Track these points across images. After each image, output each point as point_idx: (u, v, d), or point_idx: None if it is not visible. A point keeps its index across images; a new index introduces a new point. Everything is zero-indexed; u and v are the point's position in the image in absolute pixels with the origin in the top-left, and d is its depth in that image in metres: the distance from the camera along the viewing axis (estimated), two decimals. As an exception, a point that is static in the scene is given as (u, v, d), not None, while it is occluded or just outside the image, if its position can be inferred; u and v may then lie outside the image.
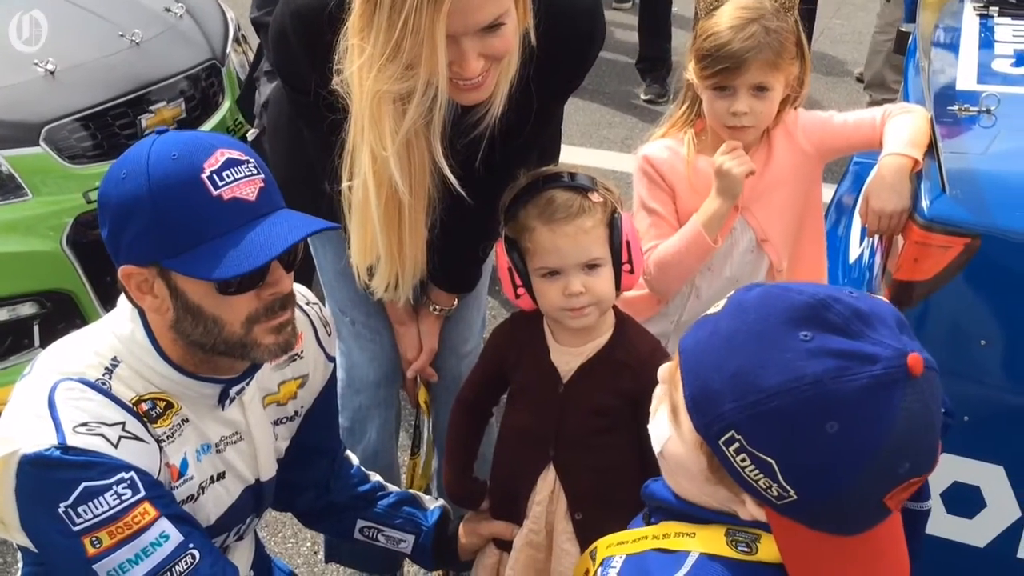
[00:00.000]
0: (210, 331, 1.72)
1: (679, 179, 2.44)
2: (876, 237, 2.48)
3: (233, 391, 1.86)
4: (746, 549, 1.29)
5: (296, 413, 2.08)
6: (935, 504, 2.21)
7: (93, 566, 1.63)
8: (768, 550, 1.28)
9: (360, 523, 2.29)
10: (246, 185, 1.65)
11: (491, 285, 2.77)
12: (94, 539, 1.62)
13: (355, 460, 2.37)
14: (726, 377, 1.23)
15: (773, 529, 1.27)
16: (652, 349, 2.16)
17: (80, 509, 1.61)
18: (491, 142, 2.11)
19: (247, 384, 1.89)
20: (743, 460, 1.22)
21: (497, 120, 2.05)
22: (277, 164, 2.43)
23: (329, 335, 2.11)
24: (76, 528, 1.61)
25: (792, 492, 1.21)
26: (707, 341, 1.28)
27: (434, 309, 2.54)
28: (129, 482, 1.64)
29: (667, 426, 1.34)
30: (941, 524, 2.26)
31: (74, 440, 1.62)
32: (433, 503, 2.35)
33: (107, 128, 3.61)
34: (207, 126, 3.98)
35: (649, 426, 1.40)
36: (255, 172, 1.68)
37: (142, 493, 1.65)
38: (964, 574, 2.32)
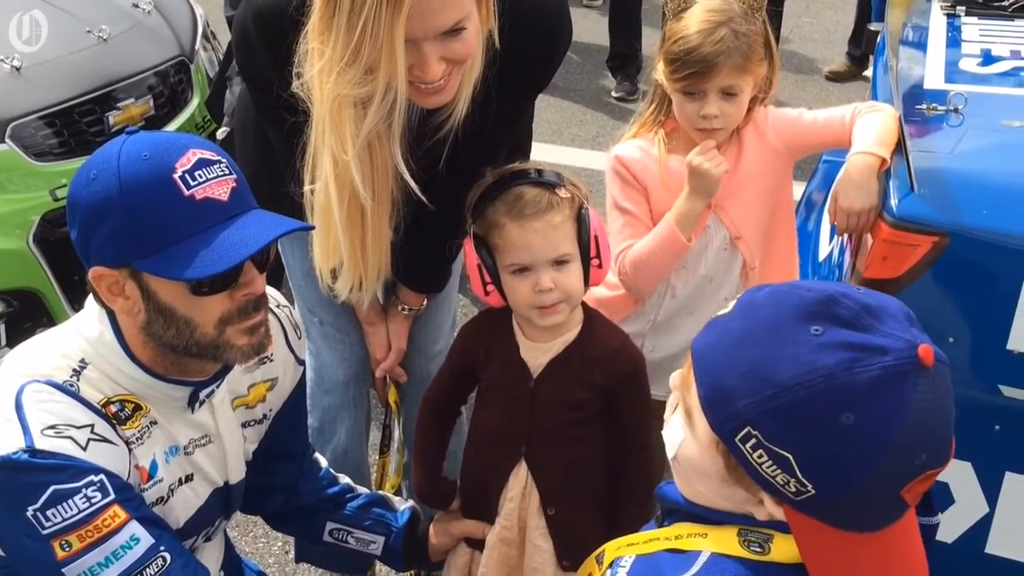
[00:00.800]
0: (182, 333, 1.70)
1: (651, 178, 2.45)
2: (845, 235, 2.50)
3: (203, 394, 1.84)
4: (758, 549, 1.29)
5: (265, 416, 2.07)
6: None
7: (62, 570, 1.61)
8: (781, 550, 1.28)
9: (329, 525, 2.28)
10: (218, 185, 1.64)
11: (461, 283, 2.76)
12: (63, 543, 1.60)
13: (324, 462, 2.36)
14: (740, 374, 1.23)
15: (792, 527, 1.26)
16: (622, 343, 2.18)
17: (49, 513, 1.59)
18: (455, 143, 2.10)
19: (217, 387, 1.88)
20: (760, 456, 1.21)
21: (461, 122, 2.04)
22: (245, 162, 2.42)
23: (299, 338, 2.10)
24: (45, 532, 1.60)
25: (810, 486, 1.20)
26: (719, 341, 1.28)
27: (403, 309, 2.53)
28: (99, 485, 1.63)
29: (681, 430, 1.34)
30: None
31: (42, 443, 1.61)
32: (403, 504, 2.35)
33: (74, 125, 3.57)
34: (176, 123, 3.95)
35: (663, 432, 1.40)
36: (227, 172, 1.67)
37: (112, 496, 1.63)
38: (933, 570, 2.33)
